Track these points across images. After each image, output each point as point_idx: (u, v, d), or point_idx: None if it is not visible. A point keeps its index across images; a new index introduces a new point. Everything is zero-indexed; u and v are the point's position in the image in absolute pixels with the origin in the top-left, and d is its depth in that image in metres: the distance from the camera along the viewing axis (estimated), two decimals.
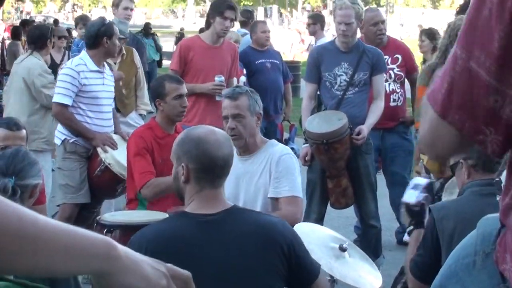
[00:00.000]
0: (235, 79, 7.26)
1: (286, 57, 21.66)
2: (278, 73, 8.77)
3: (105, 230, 4.30)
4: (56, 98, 6.09)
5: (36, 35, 7.88)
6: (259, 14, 49.73)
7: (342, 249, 3.89)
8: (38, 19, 35.65)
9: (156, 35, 20.27)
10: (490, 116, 1.44)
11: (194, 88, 6.43)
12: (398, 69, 7.14)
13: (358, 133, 5.99)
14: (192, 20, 54.90)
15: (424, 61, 8.44)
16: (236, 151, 4.55)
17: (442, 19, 37.73)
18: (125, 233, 4.16)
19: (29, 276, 1.33)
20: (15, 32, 15.17)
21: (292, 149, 5.86)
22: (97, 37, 6.14)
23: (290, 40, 31.20)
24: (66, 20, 53.85)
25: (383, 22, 7.27)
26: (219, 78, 6.71)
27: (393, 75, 7.11)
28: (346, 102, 6.14)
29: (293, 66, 15.61)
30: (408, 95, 7.45)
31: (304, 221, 4.64)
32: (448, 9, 56.51)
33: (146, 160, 5.10)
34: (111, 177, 5.98)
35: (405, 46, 7.70)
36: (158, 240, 2.99)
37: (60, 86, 6.09)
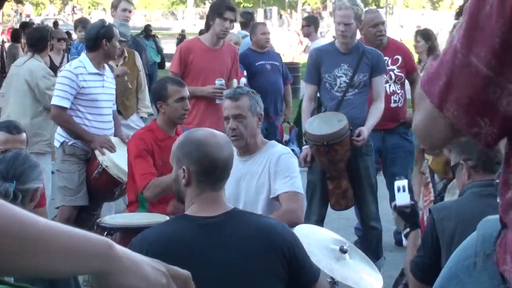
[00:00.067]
0: (235, 80, 7.27)
1: (286, 58, 21.66)
2: (278, 75, 8.78)
3: (106, 232, 4.29)
4: (55, 101, 6.09)
5: (36, 38, 7.90)
6: (259, 16, 49.73)
7: (343, 250, 3.89)
8: (37, 21, 35.69)
9: (157, 37, 20.26)
10: (487, 107, 1.46)
11: (194, 91, 6.43)
12: (398, 70, 7.14)
13: (358, 135, 5.98)
14: (192, 22, 54.89)
15: (419, 61, 8.45)
16: (236, 151, 4.56)
17: (442, 20, 37.76)
18: (126, 235, 4.16)
19: (29, 276, 1.33)
20: (15, 35, 15.20)
21: (293, 150, 5.86)
22: (97, 40, 6.14)
23: (288, 42, 31.25)
24: (66, 20, 53.89)
25: (383, 23, 7.28)
26: (219, 82, 6.71)
27: (393, 76, 7.11)
28: (346, 103, 6.14)
29: (293, 67, 15.61)
30: (409, 96, 7.45)
31: (304, 222, 4.64)
32: (447, 10, 56.57)
33: (147, 161, 5.10)
34: (108, 180, 5.97)
35: (405, 47, 7.70)
36: (159, 243, 2.99)
37: (59, 89, 6.09)
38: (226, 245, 3.03)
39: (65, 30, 14.66)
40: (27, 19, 42.12)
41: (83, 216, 6.11)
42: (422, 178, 8.15)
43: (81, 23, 10.68)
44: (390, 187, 7.31)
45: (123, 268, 1.32)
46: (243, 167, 4.57)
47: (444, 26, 28.20)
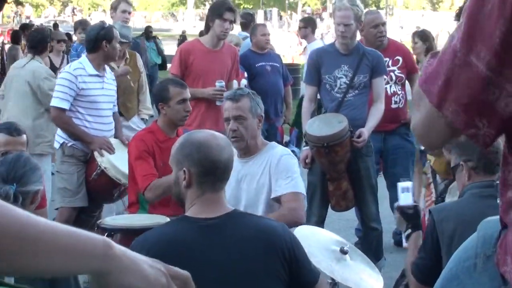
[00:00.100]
0: (235, 82, 7.27)
1: (286, 59, 21.66)
2: (278, 76, 8.78)
3: (106, 233, 4.29)
4: (54, 102, 6.10)
5: (37, 39, 7.91)
6: (259, 17, 49.73)
7: (343, 252, 3.89)
8: (40, 22, 35.68)
9: (158, 38, 20.22)
10: (486, 108, 1.46)
11: (195, 92, 6.43)
12: (399, 71, 7.14)
13: (359, 136, 5.98)
14: (192, 23, 54.89)
15: (417, 62, 8.45)
16: (236, 153, 4.56)
17: (442, 21, 37.77)
18: (126, 236, 4.16)
19: (29, 276, 1.34)
20: (15, 36, 15.20)
21: (293, 152, 5.86)
22: (97, 41, 6.15)
23: (288, 43, 31.27)
24: (66, 19, 53.87)
25: (383, 24, 7.28)
26: (219, 84, 6.71)
27: (394, 77, 7.11)
28: (346, 104, 6.14)
29: (293, 68, 15.62)
30: (409, 96, 7.45)
31: (304, 224, 4.64)
32: (447, 11, 56.56)
33: (148, 163, 5.09)
34: (107, 181, 5.98)
35: (405, 48, 7.70)
36: (159, 244, 3.00)
37: (58, 90, 6.10)
38: (226, 246, 3.04)
39: (65, 32, 14.63)
40: (27, 21, 42.14)
41: (83, 217, 6.11)
42: (421, 179, 8.16)
43: (81, 25, 10.68)
44: (391, 188, 7.31)
45: (122, 268, 1.33)
46: (243, 169, 4.57)
47: (444, 27, 28.24)
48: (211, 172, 3.14)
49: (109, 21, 7.37)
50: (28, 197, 3.47)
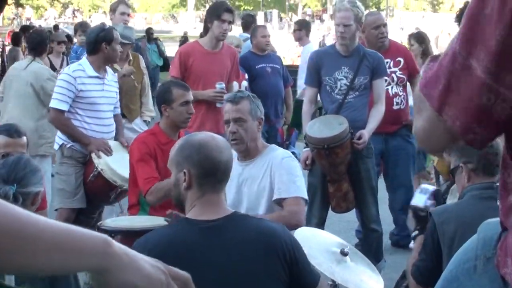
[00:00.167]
0: (235, 83, 7.27)
1: (286, 61, 21.65)
2: (278, 78, 8.78)
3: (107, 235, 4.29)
4: (53, 104, 6.11)
5: (37, 41, 7.92)
6: (259, 19, 49.74)
7: (344, 253, 3.89)
8: (38, 24, 35.67)
9: (159, 40, 20.22)
10: (483, 113, 1.46)
11: (195, 95, 6.42)
12: (400, 72, 7.14)
13: (359, 138, 5.98)
14: (192, 25, 54.87)
15: None
16: (237, 156, 4.56)
17: (442, 22, 37.77)
18: (127, 238, 4.15)
19: (29, 275, 1.35)
20: (15, 38, 15.21)
21: (293, 153, 5.86)
22: (96, 43, 6.15)
23: (287, 45, 31.25)
24: (66, 21, 53.88)
25: (384, 25, 7.28)
26: (220, 85, 6.72)
27: (395, 78, 7.11)
28: (346, 106, 6.14)
29: (293, 70, 15.58)
30: (410, 97, 7.45)
31: (305, 225, 4.64)
32: (448, 12, 56.55)
33: (149, 166, 5.08)
34: (104, 183, 5.98)
35: (407, 49, 7.71)
36: (160, 246, 3.00)
37: (57, 92, 6.11)
38: (226, 248, 3.04)
39: (65, 34, 14.63)
40: (28, 23, 42.16)
41: (82, 219, 6.11)
42: (420, 182, 8.17)
43: (81, 27, 10.69)
44: (390, 189, 7.32)
45: (122, 266, 1.33)
46: (244, 172, 4.57)
47: (444, 28, 28.22)
48: (212, 173, 3.14)
49: (109, 23, 7.38)
50: (28, 198, 3.47)
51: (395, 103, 7.07)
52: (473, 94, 1.45)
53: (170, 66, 7.22)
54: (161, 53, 19.07)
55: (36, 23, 43.29)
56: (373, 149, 6.27)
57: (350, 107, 6.13)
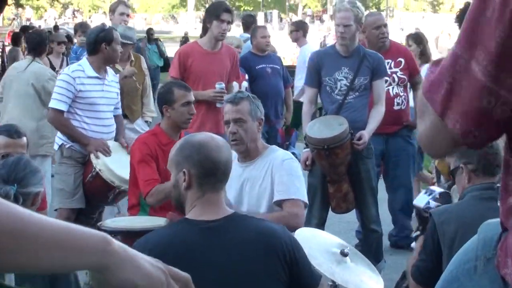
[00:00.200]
0: (235, 84, 7.27)
1: (286, 61, 21.64)
2: (278, 78, 8.78)
3: None
4: (52, 104, 6.12)
5: (36, 41, 7.92)
6: (259, 19, 49.73)
7: (344, 254, 3.89)
8: (38, 25, 35.70)
9: (160, 40, 20.22)
10: (483, 116, 1.45)
11: (195, 95, 6.42)
12: (401, 73, 7.14)
13: (359, 138, 5.98)
14: (192, 25, 54.88)
15: None
16: (237, 157, 4.56)
17: (442, 23, 37.76)
18: (127, 239, 4.15)
19: (29, 273, 1.36)
20: (15, 38, 15.23)
21: (293, 154, 5.86)
22: (96, 43, 6.15)
23: (288, 45, 31.25)
24: (66, 21, 53.88)
25: (385, 25, 7.28)
26: (219, 85, 6.73)
27: (396, 79, 7.10)
28: (346, 106, 6.14)
29: (293, 70, 15.57)
30: (411, 98, 7.45)
31: (305, 226, 4.64)
32: (448, 13, 56.56)
33: (150, 167, 5.07)
34: (102, 184, 5.98)
35: (407, 50, 7.71)
36: (160, 246, 3.01)
37: (56, 92, 6.11)
38: (226, 248, 3.04)
39: (66, 34, 14.63)
40: (28, 23, 42.17)
41: (82, 219, 6.11)
42: (420, 183, 8.17)
43: (81, 28, 10.69)
44: (390, 189, 7.32)
45: (121, 263, 1.33)
46: (244, 173, 4.57)
47: (444, 29, 28.19)
48: (212, 173, 3.15)
49: (109, 24, 7.38)
50: (28, 199, 3.48)
51: (396, 103, 7.08)
52: (473, 97, 1.44)
53: (170, 67, 7.22)
54: (161, 54, 19.08)
55: (36, 23, 43.31)
56: (374, 149, 6.27)
57: (350, 108, 6.13)
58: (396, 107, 7.06)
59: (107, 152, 6.03)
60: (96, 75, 6.15)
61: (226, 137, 4.54)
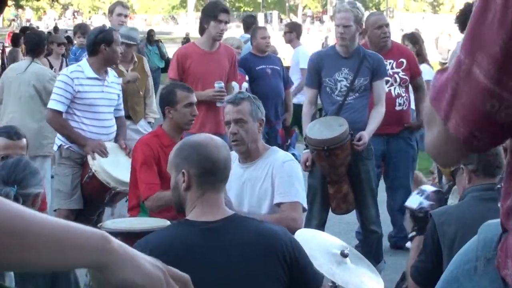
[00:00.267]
0: (235, 84, 7.27)
1: (286, 62, 21.66)
2: (278, 79, 8.78)
3: None
4: (50, 104, 6.12)
5: (35, 42, 7.93)
6: (260, 20, 49.70)
7: (344, 255, 3.89)
8: (38, 25, 35.72)
9: (161, 41, 20.21)
10: (486, 120, 1.44)
11: (195, 96, 6.43)
12: (403, 73, 7.13)
13: (359, 139, 5.98)
14: (192, 26, 54.89)
15: None
16: (238, 158, 4.56)
17: (442, 23, 37.77)
18: (127, 240, 4.12)
19: (29, 271, 1.36)
20: (15, 39, 15.24)
21: (293, 155, 5.86)
22: (95, 44, 6.16)
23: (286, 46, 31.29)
24: (66, 22, 53.89)
25: (387, 25, 7.27)
26: (218, 85, 6.73)
27: (398, 79, 7.10)
28: (346, 107, 6.14)
29: None
30: (411, 98, 7.44)
31: (305, 227, 4.64)
32: (448, 13, 56.57)
33: (152, 170, 5.06)
34: (98, 185, 5.97)
35: (409, 51, 7.70)
36: (161, 247, 3.01)
37: (55, 93, 6.12)
38: (226, 249, 3.04)
39: (65, 35, 14.67)
40: (28, 24, 42.19)
41: (81, 220, 6.11)
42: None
43: (80, 29, 10.70)
44: (390, 191, 7.32)
45: (120, 262, 1.33)
46: (245, 174, 4.57)
47: (444, 29, 28.20)
48: (212, 173, 3.15)
49: (109, 25, 7.39)
50: (28, 200, 3.47)
51: (397, 104, 7.07)
52: (476, 100, 1.43)
53: (169, 68, 7.23)
54: (162, 55, 19.08)
55: (36, 24, 43.33)
56: (375, 150, 6.27)
57: (350, 109, 6.13)
58: (398, 108, 7.06)
59: (103, 153, 6.02)
60: (96, 76, 6.14)
61: (227, 138, 4.55)
